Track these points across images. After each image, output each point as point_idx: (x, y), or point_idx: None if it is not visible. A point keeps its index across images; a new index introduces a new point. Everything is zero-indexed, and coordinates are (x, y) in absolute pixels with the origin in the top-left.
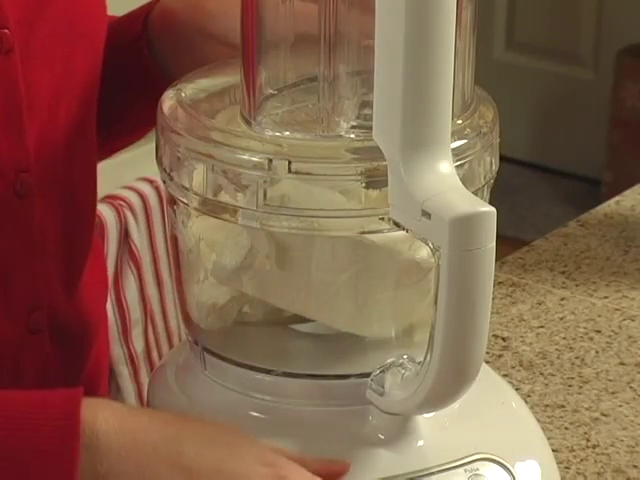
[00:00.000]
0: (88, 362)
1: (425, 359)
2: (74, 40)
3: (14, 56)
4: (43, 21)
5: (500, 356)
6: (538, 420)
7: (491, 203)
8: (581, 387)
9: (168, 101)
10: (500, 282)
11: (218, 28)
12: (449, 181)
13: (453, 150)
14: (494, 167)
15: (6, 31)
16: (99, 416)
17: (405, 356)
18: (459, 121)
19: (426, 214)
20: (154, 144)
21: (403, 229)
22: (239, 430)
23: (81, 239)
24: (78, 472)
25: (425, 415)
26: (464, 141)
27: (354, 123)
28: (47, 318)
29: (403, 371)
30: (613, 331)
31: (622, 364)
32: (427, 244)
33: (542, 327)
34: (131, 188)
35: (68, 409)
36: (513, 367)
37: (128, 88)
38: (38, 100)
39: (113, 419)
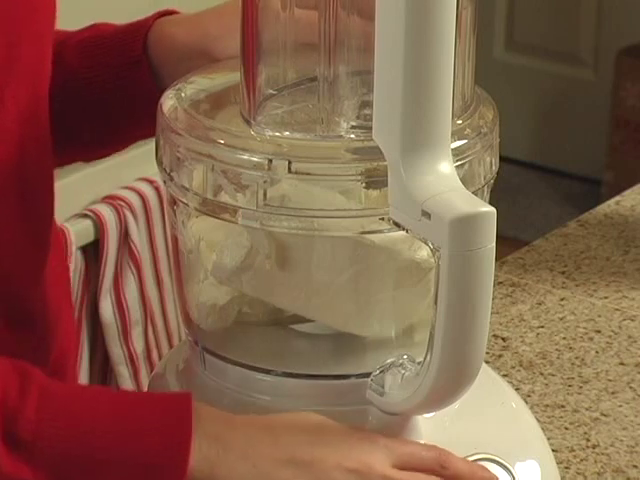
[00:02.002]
0: (54, 346)
1: (425, 359)
2: (15, 28)
3: None
4: None
5: (500, 356)
6: (538, 420)
7: (491, 203)
8: (581, 387)
9: (168, 101)
10: (500, 282)
11: (222, 51)
12: (449, 181)
13: (453, 150)
14: (494, 167)
15: None
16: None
17: (405, 356)
18: (459, 121)
19: (426, 214)
20: (154, 144)
21: (403, 229)
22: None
23: (41, 230)
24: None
25: (425, 415)
26: (464, 141)
27: (354, 123)
28: (3, 304)
29: (403, 371)
30: (613, 331)
31: (622, 364)
32: (427, 244)
33: (542, 327)
34: (131, 188)
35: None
36: (513, 367)
37: (123, 105)
38: None
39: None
